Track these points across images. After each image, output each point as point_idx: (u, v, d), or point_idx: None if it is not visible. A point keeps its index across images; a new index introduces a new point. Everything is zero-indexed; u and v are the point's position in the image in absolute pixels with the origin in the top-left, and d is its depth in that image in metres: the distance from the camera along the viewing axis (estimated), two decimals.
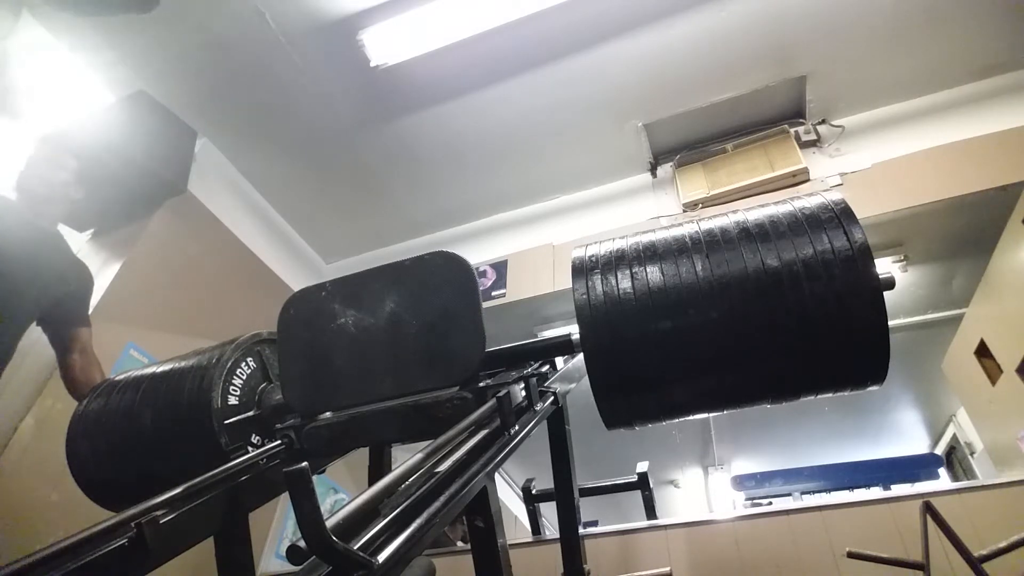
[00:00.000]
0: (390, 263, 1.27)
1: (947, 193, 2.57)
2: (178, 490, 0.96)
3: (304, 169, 3.34)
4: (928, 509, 1.35)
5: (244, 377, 1.39)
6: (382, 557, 0.55)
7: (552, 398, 1.17)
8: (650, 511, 2.29)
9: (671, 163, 3.29)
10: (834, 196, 1.12)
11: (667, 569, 1.48)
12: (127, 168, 2.55)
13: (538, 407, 1.10)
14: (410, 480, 0.67)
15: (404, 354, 1.19)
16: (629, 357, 1.09)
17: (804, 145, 3.03)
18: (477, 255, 3.40)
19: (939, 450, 4.81)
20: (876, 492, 4.03)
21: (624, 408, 1.17)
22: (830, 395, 1.12)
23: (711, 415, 3.36)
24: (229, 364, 1.35)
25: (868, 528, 1.76)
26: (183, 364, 1.38)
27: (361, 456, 1.45)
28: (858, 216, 1.06)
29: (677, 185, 3.18)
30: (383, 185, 3.44)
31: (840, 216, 1.06)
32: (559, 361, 1.39)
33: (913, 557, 1.38)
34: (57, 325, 1.72)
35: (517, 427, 0.97)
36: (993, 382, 2.69)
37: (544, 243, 3.32)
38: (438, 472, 0.72)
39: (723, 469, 5.18)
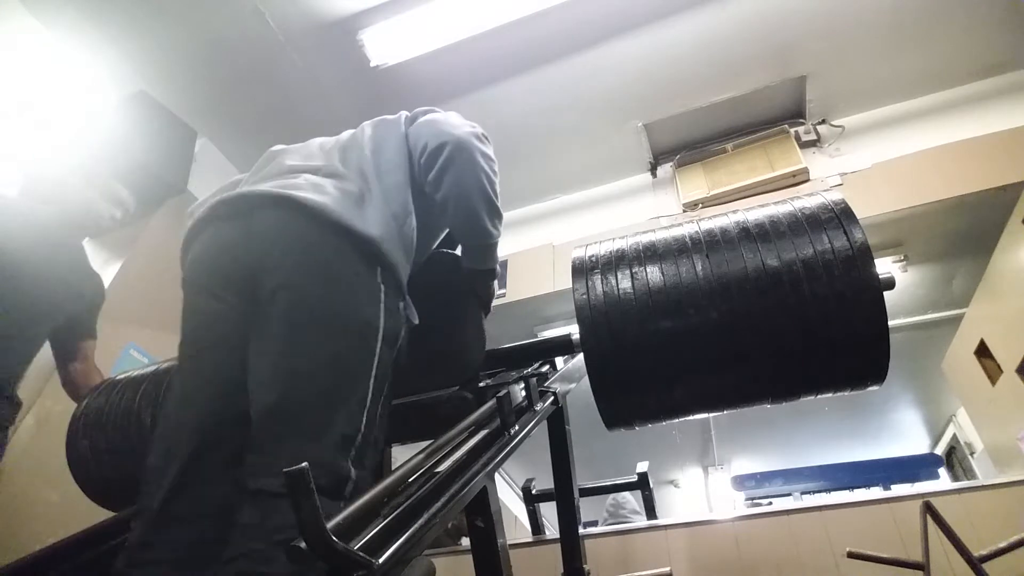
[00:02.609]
0: None
1: (947, 193, 2.57)
2: None
3: None
4: (928, 509, 1.35)
5: None
6: (382, 557, 0.54)
7: (552, 398, 1.17)
8: (650, 511, 2.30)
9: (671, 163, 3.29)
10: (834, 196, 1.12)
11: (667, 569, 1.48)
12: (127, 168, 2.55)
13: (538, 407, 1.10)
14: (410, 480, 0.67)
15: (404, 354, 1.19)
16: (629, 357, 1.09)
17: (804, 145, 3.03)
18: None
19: (939, 450, 4.82)
20: (876, 492, 4.04)
21: (624, 408, 1.17)
22: (830, 395, 1.12)
23: (711, 415, 3.36)
24: None
25: (868, 528, 1.76)
26: None
27: None
28: (858, 216, 1.06)
29: (677, 185, 3.18)
30: None
31: (840, 216, 1.06)
32: (559, 361, 1.39)
33: (913, 557, 1.38)
34: (65, 337, 1.67)
35: (517, 427, 0.97)
36: (993, 382, 2.68)
37: (544, 243, 3.31)
38: (438, 472, 0.72)
39: (723, 469, 5.18)
